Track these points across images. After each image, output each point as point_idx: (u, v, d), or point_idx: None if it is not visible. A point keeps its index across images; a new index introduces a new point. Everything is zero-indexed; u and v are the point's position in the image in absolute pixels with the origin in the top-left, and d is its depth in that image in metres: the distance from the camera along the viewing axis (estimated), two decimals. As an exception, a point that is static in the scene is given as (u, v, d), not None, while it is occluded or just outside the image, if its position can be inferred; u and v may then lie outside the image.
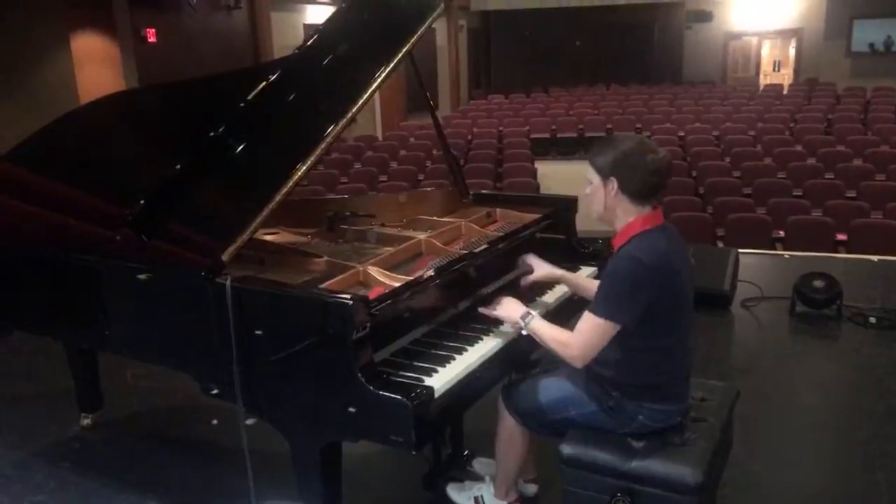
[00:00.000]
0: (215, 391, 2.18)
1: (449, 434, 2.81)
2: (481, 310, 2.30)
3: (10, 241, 2.78)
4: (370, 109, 14.18)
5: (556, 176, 9.42)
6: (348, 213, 3.03)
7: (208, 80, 2.99)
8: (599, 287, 2.10)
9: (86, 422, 3.33)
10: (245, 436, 2.13)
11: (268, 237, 2.98)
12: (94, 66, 9.08)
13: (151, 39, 9.52)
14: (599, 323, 2.03)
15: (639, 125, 11.93)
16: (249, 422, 2.15)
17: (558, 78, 17.22)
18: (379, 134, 13.46)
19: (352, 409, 1.89)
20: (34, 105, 8.19)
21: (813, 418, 3.39)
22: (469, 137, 11.13)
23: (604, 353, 2.12)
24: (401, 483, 2.81)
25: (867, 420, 3.28)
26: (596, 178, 2.11)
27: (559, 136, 12.40)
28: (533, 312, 2.22)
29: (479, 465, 2.81)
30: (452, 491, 2.64)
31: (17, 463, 3.09)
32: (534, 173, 9.30)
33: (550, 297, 2.66)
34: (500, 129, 11.82)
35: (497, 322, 2.31)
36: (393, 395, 1.82)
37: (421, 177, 9.01)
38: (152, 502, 2.79)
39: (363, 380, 1.85)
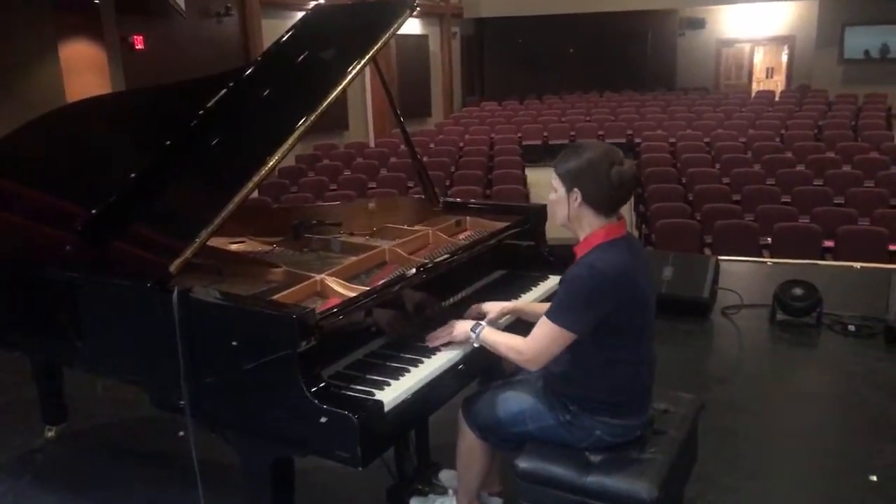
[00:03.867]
0: (165, 404, 2.13)
1: (415, 446, 2.77)
2: (429, 339, 2.25)
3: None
4: (362, 117, 14.18)
5: (546, 183, 9.27)
6: (314, 222, 2.99)
7: (180, 83, 2.95)
8: (556, 294, 2.08)
9: (50, 434, 3.28)
10: (194, 448, 2.08)
11: (233, 246, 2.95)
12: (83, 73, 9.07)
13: (139, 46, 9.50)
14: (554, 329, 2.01)
15: (630, 132, 11.93)
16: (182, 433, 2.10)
17: (552, 85, 17.22)
18: (371, 141, 13.44)
19: (297, 424, 1.85)
20: (23, 113, 8.11)
21: (789, 429, 3.35)
22: (461, 145, 11.12)
23: (560, 367, 2.09)
24: (365, 497, 2.75)
25: (843, 431, 3.25)
26: (560, 188, 2.07)
27: (551, 143, 12.39)
28: (482, 323, 2.20)
29: (445, 477, 2.75)
30: (415, 504, 2.59)
31: (-23, 476, 3.05)
32: (523, 181, 9.27)
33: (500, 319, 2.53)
34: (492, 136, 11.81)
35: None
36: (337, 410, 1.78)
37: (411, 184, 8.98)
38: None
39: (308, 394, 1.81)
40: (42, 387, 3.22)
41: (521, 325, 2.40)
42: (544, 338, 2.03)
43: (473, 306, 2.46)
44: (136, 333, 2.18)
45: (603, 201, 2.02)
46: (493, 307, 2.42)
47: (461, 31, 18.42)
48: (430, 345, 2.23)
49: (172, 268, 2.03)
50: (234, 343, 1.90)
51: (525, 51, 18.84)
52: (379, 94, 13.73)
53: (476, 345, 2.18)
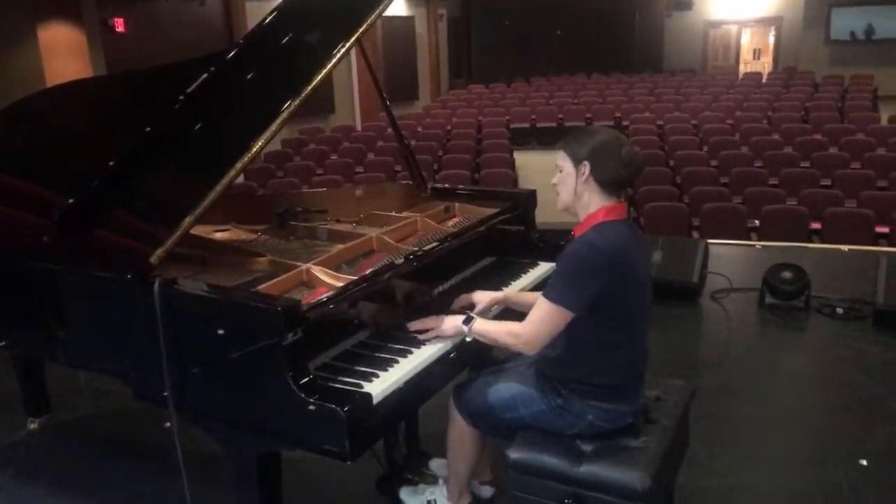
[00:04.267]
0: (148, 398, 2.09)
1: (404, 435, 2.75)
2: (414, 331, 2.19)
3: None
4: (349, 100, 14.04)
5: (535, 166, 9.34)
6: (300, 209, 2.94)
7: (162, 67, 2.87)
8: (554, 271, 2.06)
9: (32, 426, 3.22)
10: (178, 441, 2.03)
11: (217, 234, 2.90)
12: (63, 56, 8.87)
13: (120, 29, 9.34)
14: (551, 308, 1.99)
15: (618, 114, 11.90)
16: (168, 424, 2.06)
17: (539, 67, 17.12)
18: (358, 125, 13.32)
19: (283, 418, 1.81)
20: (2, 97, 8.00)
21: (779, 413, 3.35)
22: (448, 128, 11.03)
23: (556, 351, 2.07)
24: (354, 487, 2.72)
25: (831, 414, 3.25)
26: (569, 165, 2.07)
27: (539, 125, 12.34)
28: (473, 315, 2.17)
29: (435, 465, 2.74)
30: (405, 494, 2.56)
31: (-42, 470, 2.99)
32: (512, 164, 9.21)
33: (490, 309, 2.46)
34: (480, 118, 11.73)
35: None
36: (325, 404, 1.74)
37: (398, 168, 8.90)
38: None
39: (294, 387, 1.76)
40: (23, 379, 3.16)
41: (510, 314, 2.36)
42: (542, 318, 2.01)
43: (462, 296, 2.42)
44: (117, 326, 2.13)
45: (611, 178, 2.03)
46: (482, 297, 2.38)
47: (448, 12, 18.26)
48: (418, 338, 2.18)
49: (153, 258, 1.97)
50: (218, 336, 1.85)
51: (512, 32, 18.70)
52: (365, 77, 13.57)
53: (469, 339, 2.15)
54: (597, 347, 2.06)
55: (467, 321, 2.15)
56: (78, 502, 2.76)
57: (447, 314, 2.24)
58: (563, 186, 2.10)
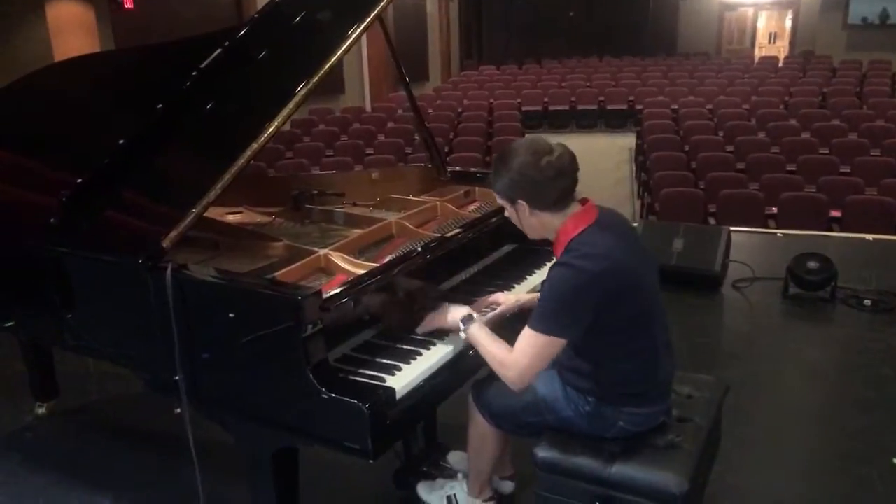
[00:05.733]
0: (160, 387, 2.00)
1: (422, 427, 2.66)
2: (421, 329, 2.08)
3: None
4: (359, 81, 13.86)
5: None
6: (315, 192, 2.83)
7: (172, 43, 2.76)
8: (539, 299, 1.89)
9: (40, 411, 3.16)
10: (190, 431, 1.94)
11: (230, 217, 2.80)
12: (71, 34, 8.76)
13: (128, 5, 9.19)
14: (538, 339, 1.83)
15: (631, 98, 11.72)
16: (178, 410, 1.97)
17: (551, 49, 16.89)
18: (367, 106, 13.16)
19: (302, 413, 1.72)
20: (9, 76, 7.86)
21: (804, 408, 3.25)
22: (459, 110, 10.89)
23: (575, 363, 1.95)
24: (369, 480, 2.64)
25: (860, 410, 3.15)
26: (507, 205, 1.94)
27: (551, 108, 12.18)
28: (475, 315, 2.03)
29: (454, 458, 2.64)
30: (423, 490, 2.48)
31: (-36, 455, 2.93)
32: (523, 147, 9.06)
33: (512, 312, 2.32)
34: (491, 101, 11.57)
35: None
36: (347, 399, 1.65)
37: (409, 150, 8.79)
38: (106, 500, 2.62)
39: (314, 381, 1.67)
40: (31, 362, 3.08)
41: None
42: (528, 349, 1.84)
43: (481, 299, 2.27)
44: (127, 313, 2.05)
45: (550, 199, 1.87)
46: (506, 299, 2.25)
47: (459, -8, 18.01)
48: (418, 330, 2.06)
49: (165, 242, 1.88)
50: (233, 326, 1.77)
51: (525, 14, 18.43)
52: (376, 58, 13.41)
53: (462, 336, 2.00)
54: (614, 360, 1.93)
55: (467, 320, 2.00)
56: (85, 489, 2.69)
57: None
58: (518, 223, 1.96)
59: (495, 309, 2.24)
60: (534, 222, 1.92)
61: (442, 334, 2.06)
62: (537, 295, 2.26)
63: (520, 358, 1.86)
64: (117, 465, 2.87)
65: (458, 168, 3.21)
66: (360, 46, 13.46)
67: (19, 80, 2.82)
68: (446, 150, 8.70)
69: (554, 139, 1.96)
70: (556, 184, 1.84)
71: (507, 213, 2.00)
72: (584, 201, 1.94)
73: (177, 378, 1.89)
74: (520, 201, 1.88)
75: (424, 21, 16.14)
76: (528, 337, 1.85)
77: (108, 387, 3.45)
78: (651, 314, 1.94)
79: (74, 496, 2.66)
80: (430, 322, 2.08)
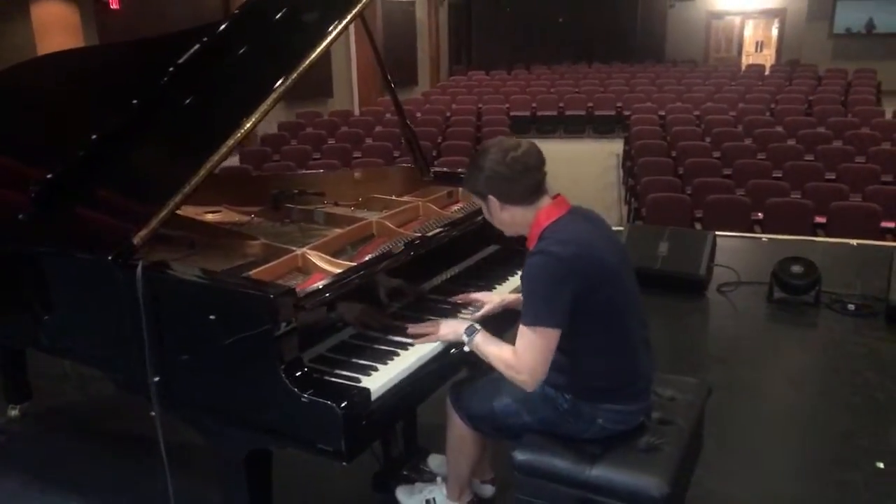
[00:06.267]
0: (132, 388, 1.95)
1: (402, 429, 2.62)
2: (412, 332, 2.04)
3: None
4: (347, 84, 13.83)
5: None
6: (296, 191, 2.79)
7: (149, 39, 2.71)
8: (522, 294, 1.91)
9: (13, 413, 3.09)
10: (161, 432, 1.90)
11: (208, 216, 2.75)
12: (56, 34, 8.68)
13: (114, 6, 9.12)
14: (533, 334, 1.82)
15: (619, 104, 11.75)
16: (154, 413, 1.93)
17: (540, 55, 16.92)
18: (356, 109, 13.12)
19: (274, 414, 1.68)
20: (-8, 74, 7.80)
21: (789, 411, 3.24)
22: (447, 115, 10.87)
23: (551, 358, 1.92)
24: (348, 484, 2.59)
25: (844, 414, 3.14)
26: (481, 202, 1.99)
27: (539, 114, 12.18)
28: (477, 326, 2.00)
29: (434, 462, 2.61)
30: (402, 494, 2.44)
31: (-67, 459, 2.86)
32: (511, 152, 9.05)
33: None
34: (480, 106, 11.56)
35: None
36: (320, 400, 1.61)
37: (396, 153, 8.75)
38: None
39: (287, 381, 1.63)
40: (2, 364, 3.01)
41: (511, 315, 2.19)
42: (529, 346, 1.83)
43: (465, 295, 2.26)
44: (98, 312, 2.00)
45: (518, 192, 1.90)
46: (490, 298, 2.23)
47: (448, -3, 18.03)
48: (414, 340, 2.02)
49: (136, 239, 1.83)
50: (205, 324, 1.72)
51: (514, 19, 18.47)
52: (364, 61, 13.38)
53: (467, 349, 1.98)
54: (589, 353, 1.91)
55: (470, 331, 1.98)
56: (59, 493, 2.63)
57: (450, 309, 2.09)
58: (493, 221, 2.00)
59: (478, 308, 2.21)
60: (505, 217, 1.95)
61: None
62: (520, 296, 2.27)
63: (523, 357, 1.85)
64: (91, 469, 2.80)
65: (440, 169, 3.18)
66: (348, 50, 13.44)
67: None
68: (434, 154, 8.68)
69: (542, 144, 1.99)
70: (524, 178, 1.88)
71: (483, 214, 2.02)
72: (555, 196, 1.95)
73: (147, 377, 1.84)
74: (490, 197, 1.92)
75: (414, 26, 16.13)
76: (523, 335, 1.84)
77: (83, 388, 3.38)
78: (626, 307, 1.94)
79: (46, 499, 2.60)
80: (430, 337, 2.03)
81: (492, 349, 1.93)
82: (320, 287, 1.85)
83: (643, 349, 1.99)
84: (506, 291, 2.40)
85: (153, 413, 2.90)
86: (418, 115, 10.76)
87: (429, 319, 2.11)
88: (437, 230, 2.34)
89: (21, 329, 2.22)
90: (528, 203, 1.91)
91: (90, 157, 2.14)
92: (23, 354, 3.02)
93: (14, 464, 2.83)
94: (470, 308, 2.24)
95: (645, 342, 2.01)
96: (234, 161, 8.87)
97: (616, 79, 13.59)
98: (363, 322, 2.00)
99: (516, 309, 2.20)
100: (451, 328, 2.02)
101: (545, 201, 1.92)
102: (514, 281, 2.49)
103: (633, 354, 1.96)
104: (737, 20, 18.03)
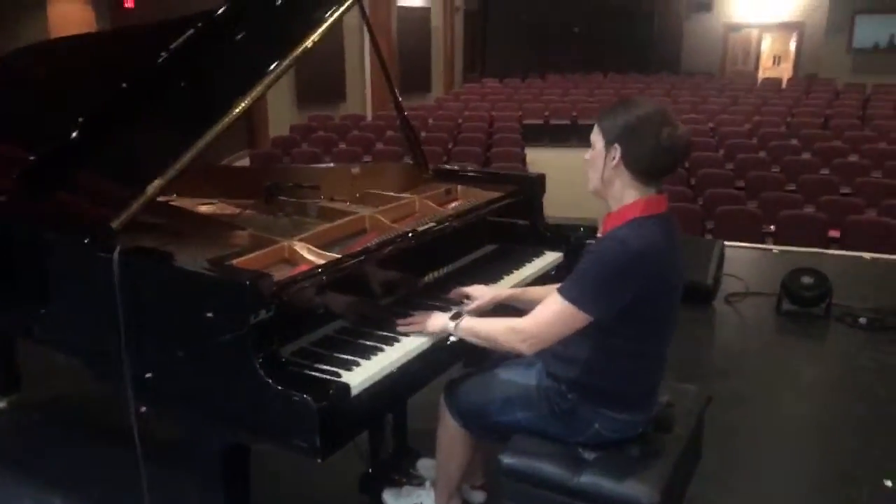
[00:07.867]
0: (104, 377, 1.89)
1: (391, 430, 2.54)
2: (399, 324, 1.97)
3: None
4: (360, 88, 13.82)
5: (547, 163, 9.09)
6: (290, 185, 2.73)
7: (143, 25, 2.68)
8: (577, 266, 1.77)
9: (0, 405, 3.04)
10: (136, 425, 1.85)
11: (203, 207, 2.70)
12: (71, 33, 8.72)
13: (129, 5, 9.17)
14: (566, 308, 1.72)
15: (633, 114, 11.63)
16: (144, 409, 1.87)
17: (555, 64, 16.84)
18: (368, 114, 13.10)
19: (249, 407, 1.61)
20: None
21: (795, 426, 3.13)
22: (459, 121, 10.82)
23: (566, 349, 1.84)
24: (333, 486, 2.52)
25: (853, 430, 3.03)
26: (600, 143, 1.79)
27: (552, 122, 12.10)
28: (462, 312, 1.93)
29: (423, 466, 2.53)
30: (389, 497, 2.36)
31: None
32: (523, 159, 8.99)
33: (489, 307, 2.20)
34: (492, 113, 11.51)
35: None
36: (295, 393, 1.54)
37: (407, 159, 8.70)
38: (56, 498, 2.51)
39: (262, 373, 1.56)
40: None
41: (504, 311, 2.10)
42: (553, 317, 1.73)
43: (458, 289, 2.18)
44: (78, 301, 1.94)
45: (645, 165, 1.73)
46: (481, 291, 2.14)
47: (465, 6, 18.02)
48: (400, 329, 1.95)
49: (115, 223, 1.78)
50: (179, 312, 1.66)
51: (529, 28, 18.41)
52: (378, 66, 13.36)
53: (454, 338, 1.90)
54: (620, 355, 1.82)
55: (455, 317, 1.90)
56: (38, 485, 2.57)
57: (438, 304, 2.02)
58: (592, 168, 1.82)
59: (469, 302, 2.13)
60: (610, 177, 1.78)
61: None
62: (515, 291, 2.20)
63: (539, 320, 1.75)
64: (75, 461, 2.75)
65: (440, 166, 3.12)
66: (362, 55, 13.43)
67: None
68: (444, 159, 8.62)
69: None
70: (661, 156, 1.72)
71: (587, 156, 1.83)
72: (661, 192, 1.81)
73: (124, 368, 1.78)
74: (617, 146, 1.74)
75: (429, 33, 16.13)
76: (554, 302, 1.74)
77: (77, 380, 3.28)
78: (668, 322, 1.86)
79: (25, 492, 2.54)
80: (416, 327, 1.95)
81: (482, 325, 1.86)
82: (301, 276, 1.78)
83: (662, 363, 1.93)
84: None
85: (143, 409, 2.86)
86: (430, 120, 10.73)
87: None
88: (430, 225, 2.27)
89: (7, 317, 2.17)
90: (641, 181, 1.76)
91: (77, 139, 2.09)
92: (12, 343, 2.97)
93: (1, 457, 2.77)
94: (461, 305, 2.16)
95: (664, 358, 1.93)
96: (244, 163, 8.87)
97: (631, 89, 13.50)
98: (347, 315, 1.93)
99: (508, 305, 2.14)
100: (438, 319, 1.94)
101: (652, 192, 1.79)
102: (509, 280, 2.41)
103: (654, 367, 1.90)
104: (754, 33, 17.88)
